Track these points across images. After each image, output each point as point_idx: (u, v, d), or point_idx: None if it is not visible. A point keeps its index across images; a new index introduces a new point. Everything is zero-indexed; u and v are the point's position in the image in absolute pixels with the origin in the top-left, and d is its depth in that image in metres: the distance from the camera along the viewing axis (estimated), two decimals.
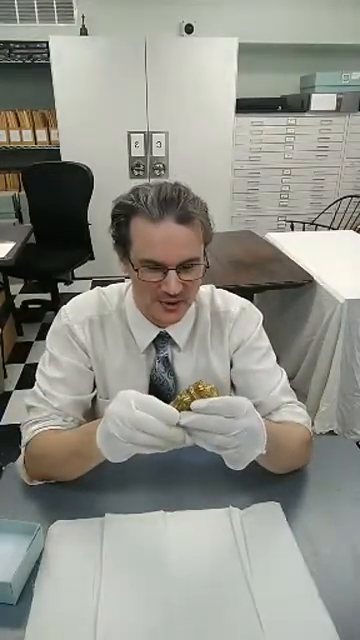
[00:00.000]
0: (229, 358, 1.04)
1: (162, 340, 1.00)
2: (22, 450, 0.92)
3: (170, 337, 1.00)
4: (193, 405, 0.68)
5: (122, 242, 0.91)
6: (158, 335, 1.00)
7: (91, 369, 1.00)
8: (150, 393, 1.01)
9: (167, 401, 1.00)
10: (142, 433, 0.66)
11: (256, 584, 0.70)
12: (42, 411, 0.94)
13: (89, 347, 0.99)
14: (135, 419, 0.66)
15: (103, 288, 1.05)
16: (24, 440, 0.92)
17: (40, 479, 0.90)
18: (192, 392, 0.70)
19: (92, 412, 1.05)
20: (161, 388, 1.02)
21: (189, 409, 0.68)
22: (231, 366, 1.05)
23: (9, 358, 2.99)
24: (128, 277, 0.97)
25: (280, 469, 0.91)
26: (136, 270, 0.88)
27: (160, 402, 0.68)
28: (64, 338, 0.99)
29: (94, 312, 1.00)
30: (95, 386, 1.02)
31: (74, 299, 1.04)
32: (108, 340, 1.01)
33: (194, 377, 1.02)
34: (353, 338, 2.00)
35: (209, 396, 0.69)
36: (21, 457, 0.92)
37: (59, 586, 0.71)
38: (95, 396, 1.03)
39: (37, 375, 0.99)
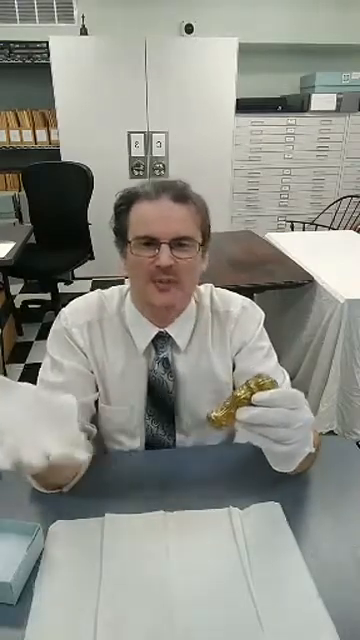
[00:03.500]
0: (231, 359, 1.03)
1: (162, 341, 1.00)
2: None
3: (170, 337, 1.00)
4: (255, 397, 0.65)
5: (122, 231, 0.92)
6: (158, 336, 0.99)
7: (92, 372, 1.00)
8: (149, 395, 1.00)
9: (166, 403, 1.01)
10: None
11: (256, 584, 0.70)
12: None
13: (88, 351, 0.99)
14: None
15: (104, 291, 1.04)
16: None
17: (46, 488, 0.86)
18: (252, 387, 0.67)
19: (96, 417, 1.04)
20: (160, 389, 1.00)
21: (249, 405, 0.66)
22: (233, 367, 1.04)
23: (9, 358, 2.98)
24: (128, 277, 0.97)
25: (298, 469, 0.86)
26: (129, 243, 0.90)
27: None
28: (63, 340, 0.98)
29: (94, 315, 1.00)
30: (97, 389, 1.01)
31: (74, 302, 1.03)
32: (107, 343, 1.00)
33: (195, 378, 1.02)
34: (353, 338, 2.00)
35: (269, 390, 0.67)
36: None
37: (59, 586, 0.71)
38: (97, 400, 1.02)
39: (38, 384, 0.97)
